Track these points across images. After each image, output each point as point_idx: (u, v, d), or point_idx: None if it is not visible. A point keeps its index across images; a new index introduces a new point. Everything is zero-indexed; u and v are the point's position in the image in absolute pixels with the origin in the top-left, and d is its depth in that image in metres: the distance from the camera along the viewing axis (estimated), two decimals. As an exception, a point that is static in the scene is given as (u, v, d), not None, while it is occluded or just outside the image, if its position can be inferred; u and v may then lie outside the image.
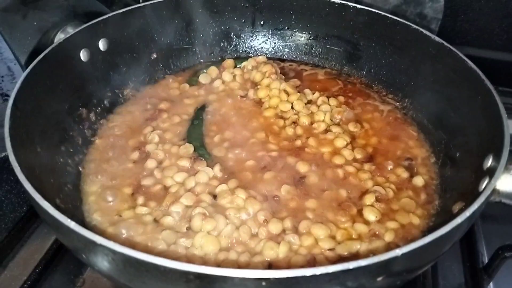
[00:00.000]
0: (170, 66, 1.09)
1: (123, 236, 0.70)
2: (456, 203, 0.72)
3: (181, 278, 0.47)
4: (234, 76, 1.05)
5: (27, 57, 0.92)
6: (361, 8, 1.02)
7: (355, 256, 0.69)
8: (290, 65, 1.14)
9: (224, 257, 0.67)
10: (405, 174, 0.84)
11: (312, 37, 1.13)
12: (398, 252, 0.49)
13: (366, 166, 0.85)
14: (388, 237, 0.72)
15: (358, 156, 0.88)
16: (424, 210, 0.78)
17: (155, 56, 1.05)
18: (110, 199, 0.77)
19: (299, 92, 1.00)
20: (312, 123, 0.94)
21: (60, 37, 0.96)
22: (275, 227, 0.72)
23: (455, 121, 0.86)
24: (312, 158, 0.86)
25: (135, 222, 0.72)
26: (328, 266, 0.46)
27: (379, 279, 0.52)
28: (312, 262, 0.68)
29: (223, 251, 0.69)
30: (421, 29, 0.94)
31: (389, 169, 0.85)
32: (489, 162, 0.69)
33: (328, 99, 0.98)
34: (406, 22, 0.96)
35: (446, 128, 0.88)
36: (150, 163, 0.83)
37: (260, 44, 1.15)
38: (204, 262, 0.67)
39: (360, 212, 0.77)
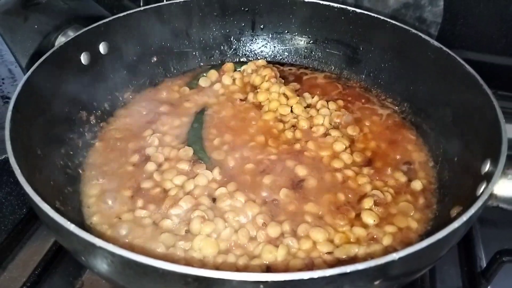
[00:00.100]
0: (170, 70, 1.09)
1: (122, 238, 0.70)
2: (454, 207, 0.72)
3: (180, 281, 0.48)
4: (234, 80, 1.06)
5: (28, 60, 0.93)
6: (360, 12, 1.03)
7: (353, 259, 0.69)
8: (289, 69, 1.14)
9: (222, 260, 0.68)
10: (403, 178, 0.84)
11: (311, 41, 1.13)
12: (395, 256, 0.49)
13: (365, 170, 0.86)
14: (386, 241, 0.72)
15: (357, 160, 0.88)
16: (422, 214, 0.79)
17: (155, 59, 1.06)
18: (109, 201, 0.77)
19: (298, 95, 1.00)
20: (311, 127, 0.94)
21: (61, 40, 0.96)
22: (273, 230, 0.73)
23: (453, 125, 0.86)
24: (311, 162, 0.87)
25: (135, 225, 0.73)
26: (325, 270, 0.46)
27: (377, 282, 0.52)
28: (310, 265, 0.68)
29: (221, 254, 0.69)
30: (420, 34, 0.94)
31: (387, 173, 0.86)
32: (486, 167, 0.69)
33: (327, 103, 0.99)
34: (405, 27, 0.97)
35: (444, 132, 0.88)
36: (150, 166, 0.83)
37: (260, 47, 1.16)
38: (202, 264, 0.67)
39: (358, 216, 0.77)
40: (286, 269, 0.67)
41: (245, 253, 0.69)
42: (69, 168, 0.80)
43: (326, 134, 0.92)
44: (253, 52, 1.16)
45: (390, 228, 0.75)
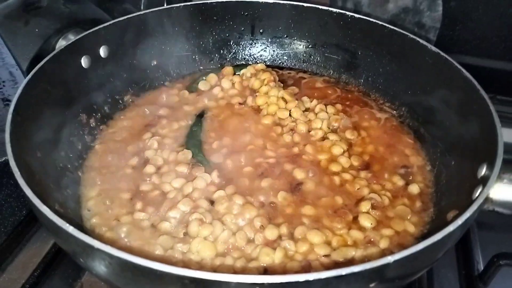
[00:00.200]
0: (170, 73, 1.10)
1: (121, 240, 0.71)
2: (450, 211, 0.73)
3: (177, 283, 0.48)
4: (233, 84, 1.06)
5: (29, 63, 0.93)
6: (359, 17, 1.03)
7: (350, 262, 0.70)
8: (288, 73, 1.15)
9: (220, 262, 0.68)
10: (401, 182, 0.85)
11: (310, 46, 1.14)
12: (390, 259, 0.50)
13: (363, 174, 0.86)
14: (383, 244, 0.73)
15: (355, 163, 0.88)
16: (419, 218, 0.79)
17: (155, 63, 1.07)
18: (108, 204, 0.77)
19: (297, 99, 1.00)
20: (309, 131, 0.94)
21: (61, 44, 0.97)
22: (271, 233, 0.73)
23: (451, 130, 0.86)
24: (309, 165, 0.87)
25: (133, 227, 0.73)
26: (321, 272, 0.47)
27: (372, 285, 0.53)
28: (308, 267, 0.68)
29: (219, 256, 0.69)
30: (417, 39, 0.95)
31: (385, 177, 0.86)
32: (483, 171, 0.69)
33: (325, 107, 0.99)
34: (403, 32, 0.97)
35: (442, 137, 0.89)
36: (149, 169, 0.84)
37: (259, 52, 1.16)
38: (200, 267, 0.68)
39: (355, 219, 0.77)
40: (284, 271, 0.68)
41: (242, 255, 0.70)
42: (68, 170, 0.81)
43: (324, 138, 0.93)
44: (252, 56, 1.17)
45: (387, 231, 0.75)
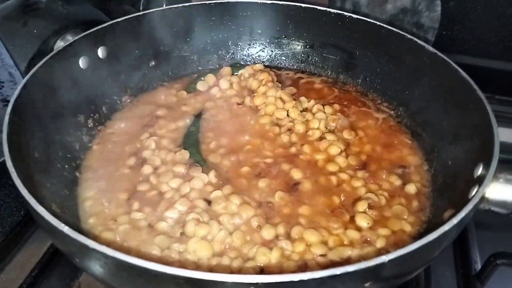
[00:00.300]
0: (168, 73, 1.10)
1: (118, 241, 0.71)
2: (447, 210, 0.73)
3: (172, 283, 0.49)
4: (231, 84, 1.07)
5: (27, 64, 0.93)
6: (357, 18, 1.03)
7: (346, 262, 0.70)
8: (287, 73, 1.15)
9: (217, 262, 0.68)
10: (398, 182, 0.85)
11: (308, 46, 1.14)
12: (384, 258, 0.50)
13: (360, 174, 0.86)
14: (380, 243, 0.73)
15: (352, 163, 0.88)
16: (416, 217, 0.79)
17: (153, 63, 1.07)
18: (106, 204, 0.78)
19: (294, 100, 1.01)
20: (307, 131, 0.94)
21: (59, 44, 0.97)
22: (268, 233, 0.73)
23: (448, 130, 0.87)
24: (306, 165, 0.87)
25: (130, 227, 0.73)
26: (315, 272, 0.47)
27: (367, 284, 0.53)
28: (304, 267, 0.69)
29: (216, 256, 0.69)
30: (415, 39, 0.95)
31: (382, 176, 0.86)
32: (479, 171, 0.70)
33: (323, 107, 0.99)
34: (401, 32, 0.97)
35: (439, 136, 0.89)
36: (146, 169, 0.84)
37: (257, 52, 1.17)
38: (197, 267, 0.68)
39: (352, 219, 0.77)
40: (280, 271, 0.68)
41: (239, 255, 0.70)
42: (66, 171, 0.81)
43: (321, 138, 0.93)
44: (250, 57, 1.17)
45: (383, 231, 0.75)
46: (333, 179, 0.84)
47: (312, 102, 1.01)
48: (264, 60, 1.17)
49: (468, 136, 0.79)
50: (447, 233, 0.56)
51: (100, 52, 0.94)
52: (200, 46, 1.13)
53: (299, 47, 1.15)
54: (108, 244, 0.69)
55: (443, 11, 1.24)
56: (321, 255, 0.71)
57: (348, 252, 0.71)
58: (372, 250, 0.71)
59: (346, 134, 0.94)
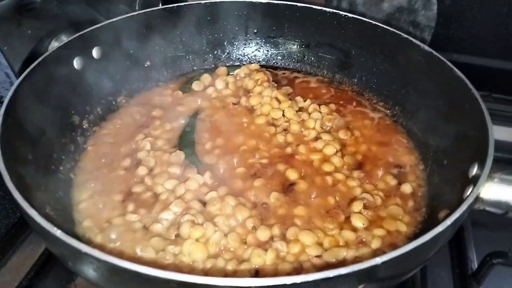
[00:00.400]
0: (164, 74, 1.10)
1: (112, 243, 0.71)
2: (442, 210, 0.73)
3: (165, 287, 0.48)
4: (227, 84, 1.06)
5: (21, 65, 0.93)
6: (352, 17, 1.03)
7: (342, 263, 0.70)
8: (283, 72, 1.15)
9: (212, 264, 0.68)
10: (393, 182, 0.85)
11: (304, 45, 1.14)
12: (378, 260, 0.50)
13: (355, 174, 0.86)
14: (375, 244, 0.73)
15: (348, 163, 0.88)
16: (412, 218, 0.79)
17: (148, 63, 1.07)
18: (100, 206, 0.77)
19: (290, 99, 1.00)
20: (302, 131, 0.94)
21: (54, 45, 0.97)
22: (263, 234, 0.73)
23: (444, 129, 0.86)
24: (302, 166, 0.87)
25: (125, 229, 0.73)
26: (308, 275, 0.47)
27: (361, 286, 0.53)
28: (299, 269, 0.69)
29: (211, 258, 0.69)
30: (410, 38, 0.94)
31: (378, 176, 0.86)
32: (474, 170, 0.69)
33: (319, 107, 0.99)
34: (396, 31, 0.97)
35: (434, 136, 0.89)
36: (141, 170, 0.84)
37: (253, 52, 1.16)
38: (192, 269, 0.68)
39: (348, 219, 0.77)
40: (275, 273, 0.68)
41: (234, 257, 0.70)
42: (60, 172, 0.81)
43: (317, 138, 0.93)
44: (246, 56, 1.17)
45: (379, 232, 0.75)
46: (329, 179, 0.84)
47: (308, 101, 1.01)
48: (260, 59, 1.17)
49: (463, 135, 0.79)
50: (441, 234, 0.56)
51: (95, 52, 0.94)
52: (195, 46, 1.12)
53: (295, 47, 1.15)
54: (102, 246, 0.70)
55: (439, 9, 1.23)
56: (317, 256, 0.71)
57: (344, 253, 0.71)
58: (367, 251, 0.71)
59: (342, 134, 0.94)
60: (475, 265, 0.86)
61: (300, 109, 1.00)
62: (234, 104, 1.02)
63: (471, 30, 1.26)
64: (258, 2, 1.09)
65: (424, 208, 0.81)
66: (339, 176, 0.85)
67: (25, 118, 0.76)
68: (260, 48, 1.16)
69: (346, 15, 1.04)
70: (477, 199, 0.65)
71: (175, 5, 1.05)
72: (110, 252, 0.66)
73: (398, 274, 0.60)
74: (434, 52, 0.90)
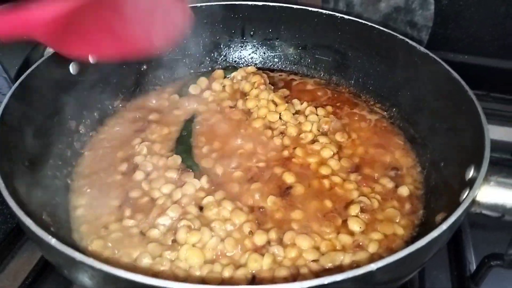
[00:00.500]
0: (160, 77, 1.10)
1: (109, 249, 0.71)
2: (439, 213, 0.73)
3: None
4: (224, 87, 1.06)
5: (17, 71, 0.93)
6: (348, 18, 1.03)
7: (338, 267, 0.70)
8: (279, 75, 1.15)
9: (208, 269, 0.68)
10: (390, 184, 0.85)
11: (301, 47, 1.13)
12: (373, 266, 0.49)
13: (352, 177, 0.86)
14: (372, 248, 0.73)
15: (345, 166, 0.88)
16: (408, 221, 0.79)
17: (145, 67, 1.06)
18: (97, 211, 0.77)
19: (287, 102, 1.00)
20: (299, 134, 0.94)
21: (49, 50, 0.97)
22: (260, 238, 0.73)
23: (440, 131, 0.87)
24: (299, 169, 0.87)
25: (122, 234, 0.73)
26: (303, 282, 0.47)
27: (357, 292, 0.53)
28: (296, 274, 0.68)
29: (207, 263, 0.69)
30: (406, 40, 0.94)
31: (375, 179, 0.86)
32: (470, 173, 0.69)
33: (316, 109, 0.99)
34: (392, 33, 0.97)
35: (431, 138, 0.89)
36: (138, 175, 0.83)
37: (249, 54, 1.16)
38: (188, 275, 0.68)
39: (345, 223, 0.77)
40: (271, 278, 0.68)
41: (231, 262, 0.70)
42: (57, 178, 0.81)
43: (314, 141, 0.93)
44: (243, 59, 1.17)
45: (376, 235, 0.75)
46: (326, 182, 0.84)
47: (305, 104, 1.01)
48: (257, 62, 1.17)
49: (460, 137, 0.79)
50: (437, 239, 0.56)
51: (91, 57, 0.94)
52: (192, 49, 1.12)
53: (292, 49, 1.14)
54: (100, 253, 0.70)
55: (436, 9, 1.23)
56: (313, 261, 0.70)
57: (341, 257, 0.70)
58: (364, 255, 0.71)
59: (339, 137, 0.94)
60: (473, 266, 0.86)
61: (297, 112, 1.00)
62: (231, 107, 1.02)
63: (469, 29, 1.25)
64: (255, 4, 1.09)
65: (421, 211, 0.81)
66: (336, 179, 0.85)
67: (21, 124, 0.76)
68: (256, 50, 1.16)
69: (342, 16, 1.04)
70: (474, 202, 0.65)
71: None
72: (107, 259, 0.66)
73: (394, 278, 0.60)
74: (430, 54, 0.90)
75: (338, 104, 1.04)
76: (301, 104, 1.01)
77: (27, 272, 0.81)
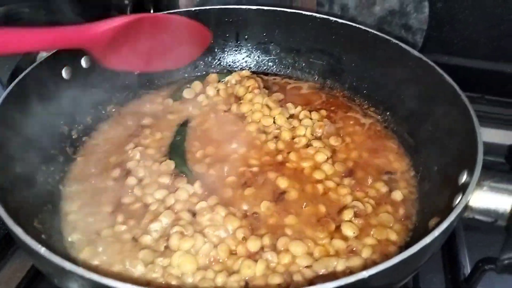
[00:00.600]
0: (154, 82, 1.09)
1: (101, 255, 0.70)
2: (432, 218, 0.72)
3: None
4: (218, 91, 1.06)
5: (9, 76, 0.93)
6: (342, 22, 1.03)
7: (332, 273, 0.69)
8: (274, 78, 1.14)
9: (201, 276, 0.68)
10: (384, 189, 0.84)
11: (295, 51, 1.13)
12: (364, 274, 0.49)
13: (346, 181, 0.86)
14: (365, 253, 0.72)
15: (338, 170, 0.88)
16: (402, 225, 0.79)
17: (138, 71, 1.06)
18: (89, 218, 0.77)
19: (281, 106, 1.00)
20: (293, 138, 0.94)
21: (42, 55, 0.96)
22: (253, 244, 0.73)
23: (434, 135, 0.87)
24: (293, 173, 0.87)
25: (113, 241, 0.73)
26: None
27: (349, 299, 0.53)
28: (289, 280, 0.68)
29: (200, 270, 0.69)
30: (400, 44, 0.95)
31: (368, 183, 0.86)
32: (463, 178, 0.69)
33: (310, 113, 0.99)
34: (386, 37, 0.97)
35: (425, 142, 0.89)
36: (131, 181, 0.83)
37: (244, 58, 1.16)
38: (181, 282, 0.67)
39: (338, 228, 0.77)
40: (265, 284, 0.67)
41: (224, 268, 0.69)
42: (49, 184, 0.80)
43: (308, 145, 0.93)
44: (237, 63, 1.16)
45: (369, 240, 0.75)
46: (320, 187, 0.84)
47: (299, 108, 1.00)
48: (251, 66, 1.16)
49: (453, 142, 0.79)
50: (430, 245, 0.56)
51: (84, 61, 0.93)
52: (186, 53, 1.12)
53: (286, 52, 1.14)
54: (91, 259, 0.69)
55: (431, 12, 1.23)
56: (307, 267, 0.70)
57: (334, 263, 0.70)
58: (358, 261, 0.71)
59: (333, 141, 0.94)
60: (467, 270, 0.86)
61: (291, 116, 0.99)
62: (225, 111, 1.01)
63: (463, 32, 1.26)
64: (249, 8, 1.09)
65: (414, 215, 0.80)
66: (330, 184, 0.84)
67: (13, 130, 0.76)
68: (251, 54, 1.16)
69: (336, 20, 1.04)
70: (466, 207, 0.65)
71: (165, 12, 1.04)
72: (98, 266, 0.66)
73: (388, 284, 0.60)
74: (424, 58, 0.90)
75: (332, 108, 1.04)
76: (295, 108, 1.01)
77: (20, 278, 0.80)
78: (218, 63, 1.16)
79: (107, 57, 0.74)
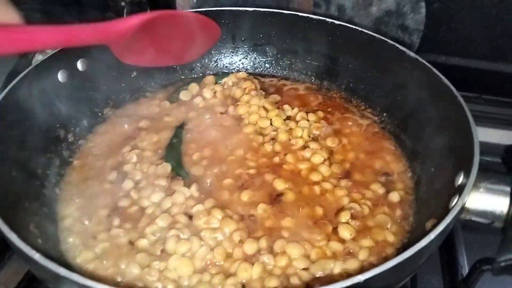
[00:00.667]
0: (151, 84, 1.09)
1: (97, 259, 0.70)
2: (429, 219, 0.72)
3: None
4: (215, 93, 1.06)
5: (5, 79, 0.92)
6: (338, 24, 1.03)
7: (329, 276, 0.69)
8: (270, 80, 1.14)
9: (197, 279, 0.67)
10: (381, 190, 0.84)
11: (292, 52, 1.13)
12: (360, 278, 0.49)
13: (343, 183, 0.85)
14: (362, 255, 0.72)
15: (335, 172, 0.88)
16: (399, 227, 0.79)
17: (135, 74, 1.05)
18: (85, 221, 0.77)
19: (278, 108, 1.00)
20: (290, 139, 0.94)
21: (38, 58, 0.96)
22: (250, 247, 0.72)
23: (431, 136, 0.86)
24: (290, 175, 0.86)
25: (110, 244, 0.72)
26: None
27: (345, 303, 0.52)
28: (286, 283, 0.68)
29: (197, 273, 0.69)
30: (396, 45, 0.94)
31: (365, 185, 0.85)
32: (460, 179, 0.69)
33: (307, 115, 0.99)
34: (383, 38, 0.97)
35: (422, 143, 0.89)
36: (127, 184, 0.83)
37: (240, 60, 1.16)
38: (178, 285, 0.67)
39: (335, 230, 0.77)
40: (262, 287, 0.67)
41: (220, 271, 0.69)
42: (45, 188, 0.80)
43: (305, 147, 0.92)
44: (234, 64, 1.16)
45: (366, 242, 0.74)
46: (316, 189, 0.84)
47: (296, 110, 1.00)
48: (248, 67, 1.16)
49: (449, 143, 0.79)
50: (426, 247, 0.56)
51: (80, 64, 0.93)
52: (182, 55, 1.11)
53: (283, 54, 1.14)
54: (87, 263, 0.69)
55: (427, 13, 1.23)
56: (304, 269, 0.70)
57: (331, 265, 0.70)
58: (355, 263, 0.71)
59: (330, 142, 0.94)
60: (465, 270, 0.86)
61: (288, 118, 0.99)
62: (222, 113, 1.01)
63: (460, 32, 1.26)
64: (245, 10, 1.08)
65: (412, 217, 0.80)
66: (327, 185, 0.84)
67: (9, 134, 0.75)
68: (247, 56, 1.16)
69: (332, 22, 1.03)
70: (463, 209, 0.65)
71: (161, 14, 1.04)
72: (94, 271, 0.66)
73: (384, 287, 0.60)
74: (420, 59, 0.90)
75: (329, 110, 1.04)
76: (292, 109, 1.00)
77: (16, 282, 0.80)
78: (214, 64, 1.16)
79: (125, 52, 0.75)
